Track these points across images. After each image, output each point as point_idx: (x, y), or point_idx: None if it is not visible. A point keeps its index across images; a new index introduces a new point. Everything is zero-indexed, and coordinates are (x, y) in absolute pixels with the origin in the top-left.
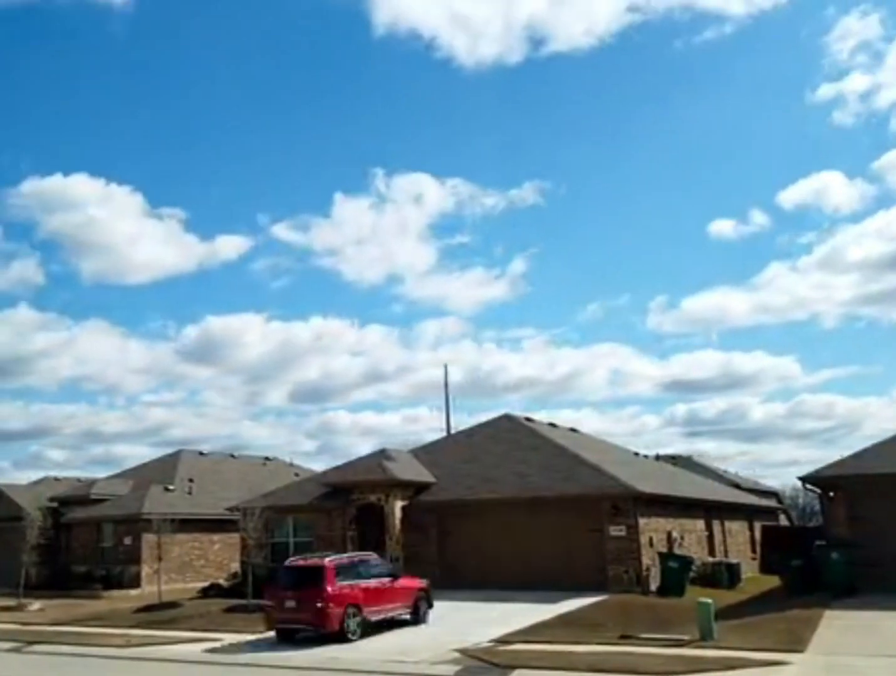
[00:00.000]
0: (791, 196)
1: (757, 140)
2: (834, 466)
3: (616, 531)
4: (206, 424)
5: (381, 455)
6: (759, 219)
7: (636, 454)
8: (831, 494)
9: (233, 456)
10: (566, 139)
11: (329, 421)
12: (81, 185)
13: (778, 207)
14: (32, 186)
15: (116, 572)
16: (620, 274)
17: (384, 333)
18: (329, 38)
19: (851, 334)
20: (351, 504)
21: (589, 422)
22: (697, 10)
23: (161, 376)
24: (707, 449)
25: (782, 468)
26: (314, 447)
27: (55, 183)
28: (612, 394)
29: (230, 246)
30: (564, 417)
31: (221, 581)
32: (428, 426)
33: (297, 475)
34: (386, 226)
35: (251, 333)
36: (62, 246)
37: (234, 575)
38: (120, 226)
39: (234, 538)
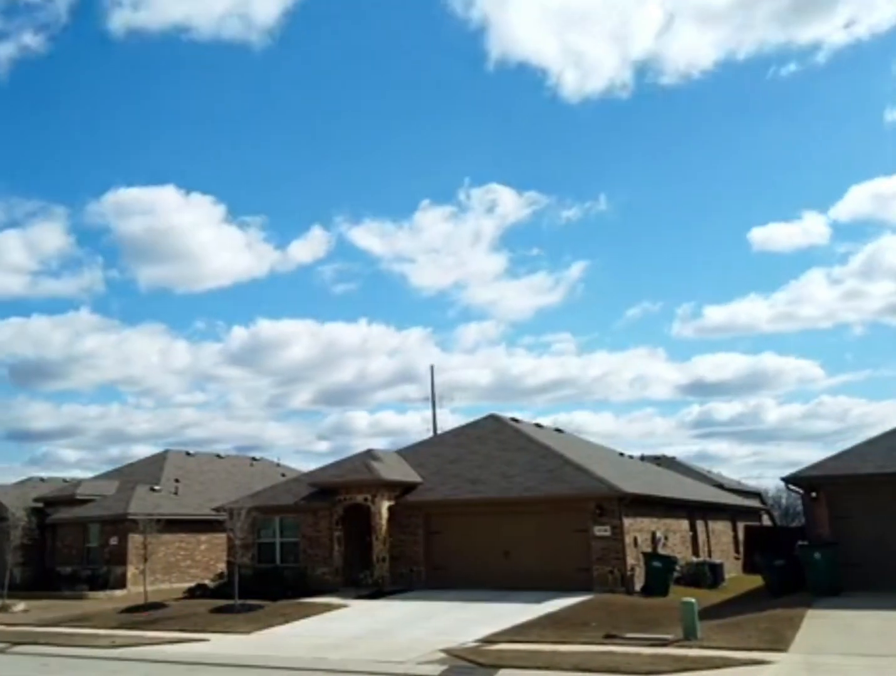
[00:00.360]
0: (848, 206)
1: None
2: (816, 467)
3: (601, 531)
4: (230, 425)
5: (368, 455)
6: (814, 227)
7: (621, 454)
8: (814, 494)
9: (219, 456)
10: (646, 157)
11: (347, 421)
12: (165, 195)
13: (832, 218)
14: (117, 196)
15: (102, 572)
16: (661, 281)
17: (424, 336)
18: (441, 64)
19: (879, 340)
20: (338, 504)
21: (602, 424)
22: (790, 44)
23: (197, 378)
24: (717, 449)
25: (790, 469)
26: (326, 447)
27: (137, 192)
28: (633, 397)
29: (303, 251)
30: (580, 419)
31: (207, 582)
32: (444, 427)
33: (283, 475)
34: (461, 234)
35: (297, 337)
36: (133, 252)
37: (221, 576)
38: (196, 233)
39: (221, 538)
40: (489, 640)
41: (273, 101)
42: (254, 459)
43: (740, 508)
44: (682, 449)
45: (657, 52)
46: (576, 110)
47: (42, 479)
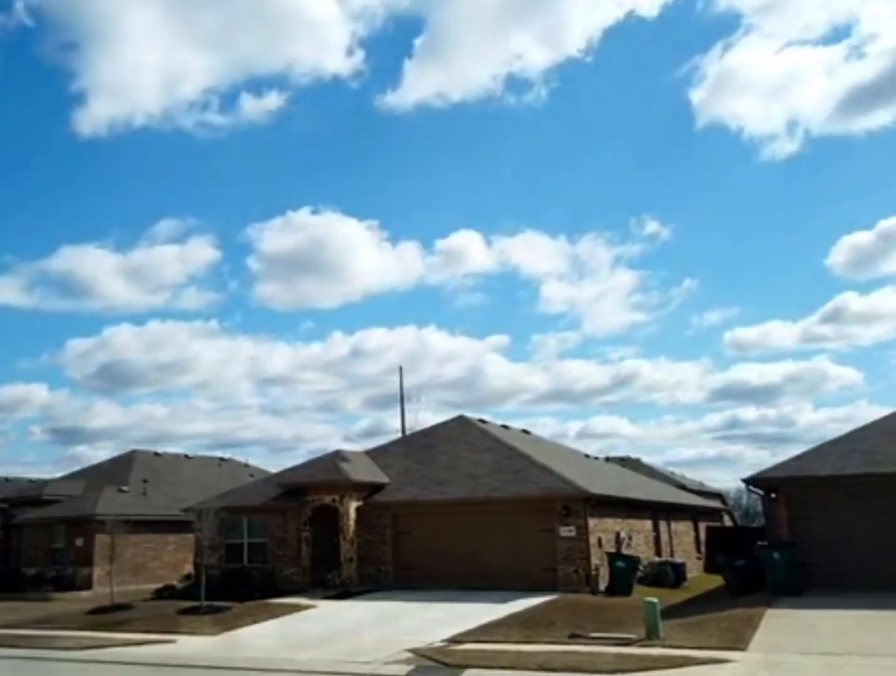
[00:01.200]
0: None
1: None
2: (776, 468)
3: (566, 531)
4: (280, 426)
5: (337, 456)
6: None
7: (587, 456)
8: (773, 496)
9: (188, 456)
10: None
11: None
12: (328, 219)
13: None
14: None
15: (68, 574)
16: (728, 292)
17: (497, 344)
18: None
19: None
20: (306, 505)
21: (630, 429)
22: None
23: (274, 383)
24: (739, 452)
25: None
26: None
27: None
28: (671, 402)
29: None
30: (619, 425)
31: (175, 583)
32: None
33: (252, 475)
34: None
35: (391, 345)
36: (285, 266)
37: (189, 577)
38: (349, 251)
39: (189, 539)
40: (455, 640)
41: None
42: (222, 459)
43: (702, 509)
44: (713, 451)
45: None
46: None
47: (7, 479)
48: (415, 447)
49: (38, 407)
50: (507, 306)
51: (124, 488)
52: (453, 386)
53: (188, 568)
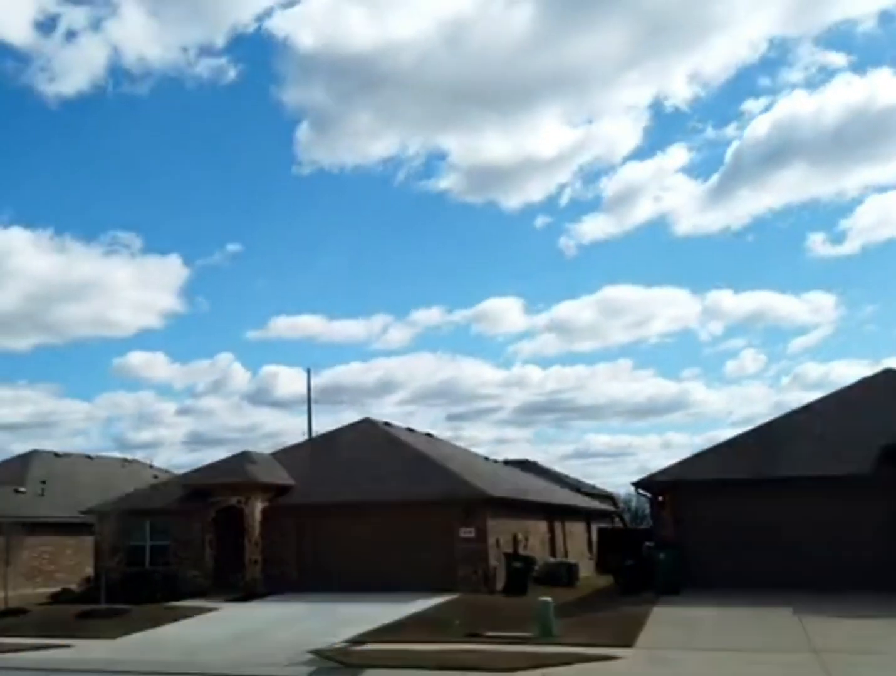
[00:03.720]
0: None
1: None
2: (663, 472)
3: (466, 533)
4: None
5: (243, 457)
6: None
7: (486, 459)
8: (660, 498)
9: (89, 457)
10: None
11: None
12: None
13: None
14: None
15: None
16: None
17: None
18: None
19: None
20: (211, 506)
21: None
22: None
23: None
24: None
25: None
26: None
27: None
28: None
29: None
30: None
31: (73, 587)
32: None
33: (156, 477)
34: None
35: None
36: None
37: (88, 580)
38: None
39: (90, 542)
40: (357, 640)
41: None
42: (125, 461)
43: (594, 511)
44: None
45: None
46: None
47: None
48: (320, 449)
49: None
50: None
51: (21, 489)
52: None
53: (88, 572)
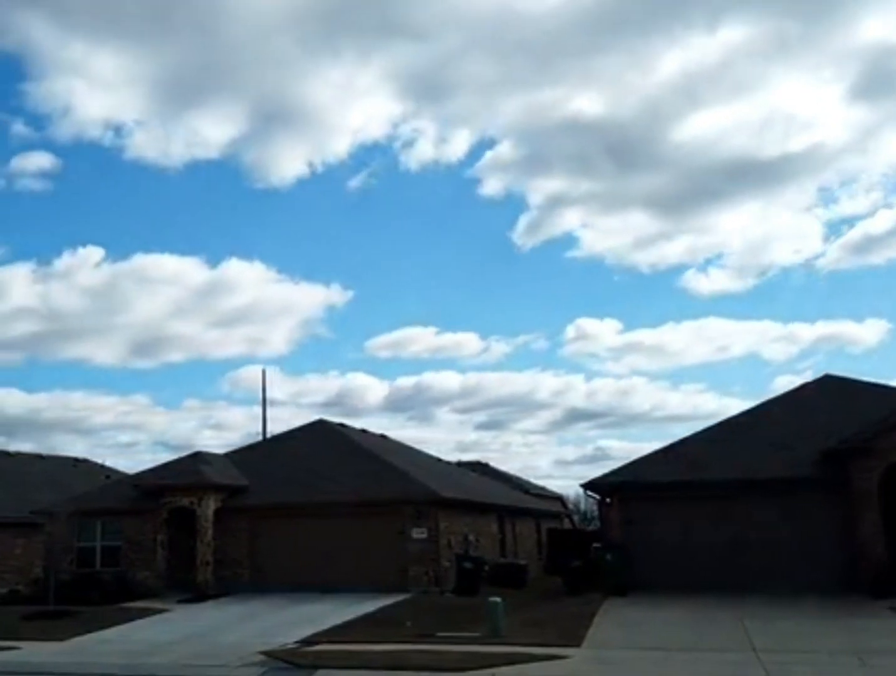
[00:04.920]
0: None
1: None
2: (612, 474)
3: (418, 534)
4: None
5: (196, 458)
6: None
7: (439, 460)
8: (608, 500)
9: (41, 456)
10: None
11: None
12: None
13: None
14: None
15: None
16: None
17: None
18: None
19: None
20: (163, 507)
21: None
22: None
23: None
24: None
25: None
26: None
27: None
28: None
29: None
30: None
31: (21, 588)
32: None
33: (108, 477)
34: None
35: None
36: None
37: (37, 581)
38: None
39: (39, 542)
40: (309, 641)
41: None
42: (77, 460)
43: (544, 512)
44: None
45: None
46: None
47: None
48: (274, 450)
49: None
50: None
51: None
52: None
53: (38, 572)
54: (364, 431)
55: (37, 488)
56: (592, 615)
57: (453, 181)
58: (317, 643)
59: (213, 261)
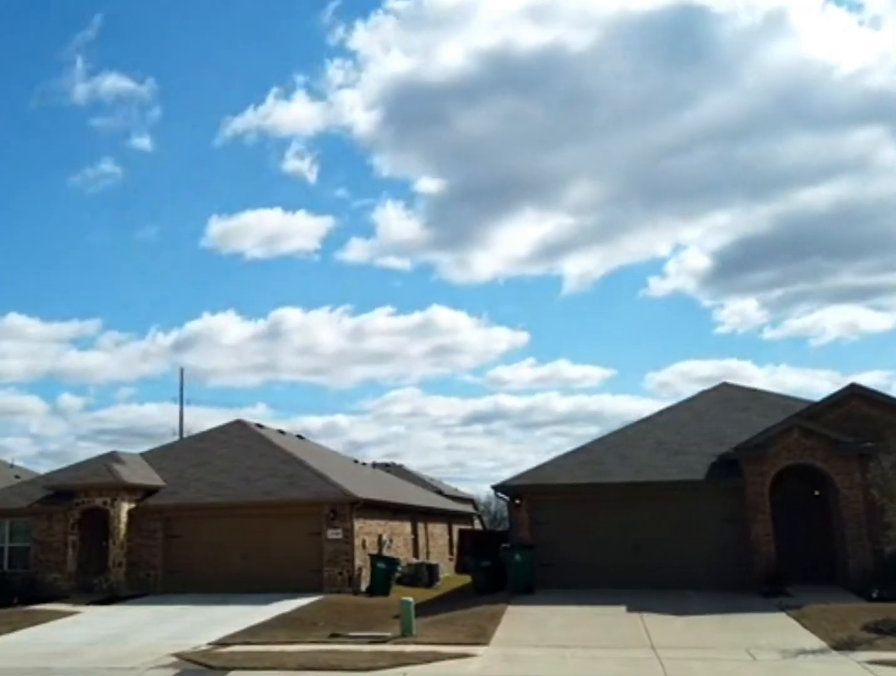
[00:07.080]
0: None
1: None
2: (521, 476)
3: (333, 534)
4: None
5: (110, 457)
6: None
7: (355, 461)
8: (517, 501)
9: None
10: None
11: None
12: None
13: None
14: None
15: None
16: None
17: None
18: None
19: None
20: (75, 507)
21: None
22: None
23: None
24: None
25: None
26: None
27: None
28: None
29: None
30: None
31: None
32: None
33: (17, 477)
34: None
35: None
36: None
37: None
38: None
39: None
40: (222, 643)
41: None
42: None
43: (456, 513)
44: None
45: None
46: None
47: None
48: (190, 450)
49: None
50: None
51: None
52: None
53: None
54: (281, 432)
55: None
56: (500, 613)
57: None
58: (230, 644)
59: None
